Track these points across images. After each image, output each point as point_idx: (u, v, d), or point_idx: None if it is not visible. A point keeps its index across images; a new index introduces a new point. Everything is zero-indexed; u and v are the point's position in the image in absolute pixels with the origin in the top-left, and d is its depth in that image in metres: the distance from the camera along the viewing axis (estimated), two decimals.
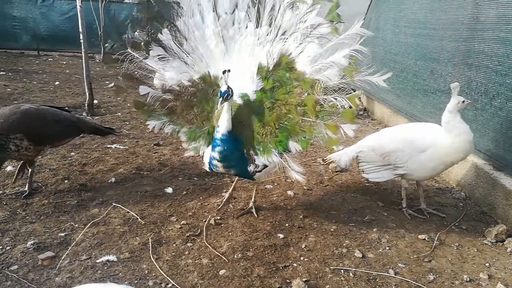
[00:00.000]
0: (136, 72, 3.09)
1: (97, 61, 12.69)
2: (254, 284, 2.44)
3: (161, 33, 3.05)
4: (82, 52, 6.06)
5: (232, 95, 2.73)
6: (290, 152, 2.82)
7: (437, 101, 4.45)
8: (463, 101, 3.06)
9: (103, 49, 12.84)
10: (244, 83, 2.95)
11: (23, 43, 13.04)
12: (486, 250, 2.93)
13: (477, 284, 2.53)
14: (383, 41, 6.41)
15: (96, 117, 6.06)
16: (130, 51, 3.04)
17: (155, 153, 4.67)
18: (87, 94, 6.13)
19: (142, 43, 3.07)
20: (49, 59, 12.10)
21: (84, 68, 6.09)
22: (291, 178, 2.85)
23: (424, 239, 3.03)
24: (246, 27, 3.01)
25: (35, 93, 7.37)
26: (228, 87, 2.68)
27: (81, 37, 5.98)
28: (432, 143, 3.11)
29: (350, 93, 2.65)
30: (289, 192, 3.74)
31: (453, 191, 3.89)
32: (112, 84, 8.87)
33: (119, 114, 6.39)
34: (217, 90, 2.94)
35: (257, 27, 3.00)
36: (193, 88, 3.13)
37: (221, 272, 2.55)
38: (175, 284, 2.41)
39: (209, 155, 2.89)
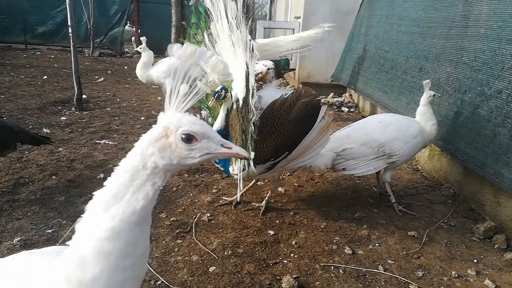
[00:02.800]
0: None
1: (86, 55, 12.55)
2: (244, 281, 2.44)
3: (204, 35, 3.36)
4: (71, 46, 5.96)
5: (224, 97, 2.89)
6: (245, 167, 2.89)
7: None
8: (434, 95, 3.50)
9: (92, 43, 12.71)
10: (240, 89, 2.99)
11: (11, 36, 12.79)
12: (474, 247, 2.96)
13: (465, 280, 2.56)
14: (375, 38, 6.42)
15: (85, 112, 5.98)
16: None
17: None
18: (76, 88, 6.04)
19: (197, 42, 3.45)
20: (37, 53, 11.91)
21: (72, 62, 5.99)
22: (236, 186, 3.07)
23: (414, 235, 3.05)
24: (240, 34, 3.02)
25: (23, 87, 7.25)
26: (222, 88, 2.85)
27: (70, 30, 5.88)
28: (420, 128, 3.43)
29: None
30: (279, 189, 3.74)
31: (442, 188, 3.92)
32: (102, 78, 8.78)
33: (109, 109, 6.32)
34: (231, 90, 3.09)
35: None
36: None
37: (211, 269, 2.54)
38: (165, 281, 2.39)
39: None
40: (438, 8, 4.46)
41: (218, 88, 2.88)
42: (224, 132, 3.01)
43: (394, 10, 5.81)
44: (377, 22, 6.43)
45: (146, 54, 5.74)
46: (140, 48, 5.74)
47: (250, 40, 2.78)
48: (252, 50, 2.76)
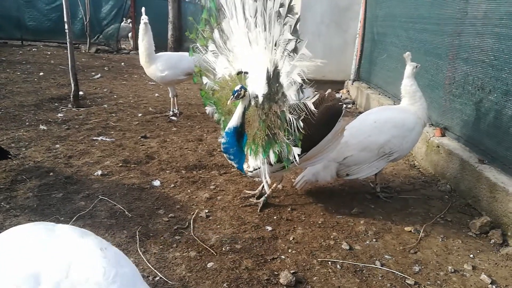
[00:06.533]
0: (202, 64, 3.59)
1: (83, 51, 12.49)
2: (242, 276, 2.45)
3: (214, 32, 3.35)
4: (67, 42, 5.93)
5: (244, 95, 2.90)
6: (269, 161, 2.90)
7: (438, 95, 4.46)
8: (416, 66, 3.50)
9: (88, 40, 12.65)
10: (259, 86, 3.01)
11: (7, 32, 12.69)
12: (471, 242, 2.98)
13: (461, 275, 2.58)
14: (396, 38, 6.23)
15: (82, 109, 5.96)
16: (198, 44, 3.48)
17: (142, 145, 4.63)
18: (72, 85, 6.02)
19: (204, 39, 3.45)
20: (33, 49, 11.84)
21: (69, 58, 5.97)
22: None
23: (410, 231, 3.07)
24: (263, 31, 3.00)
25: (19, 84, 7.22)
26: (241, 87, 2.87)
27: (66, 27, 5.85)
28: (416, 118, 3.42)
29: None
30: (278, 185, 3.74)
31: (438, 184, 3.94)
32: (99, 75, 8.75)
33: (105, 106, 6.31)
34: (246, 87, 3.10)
35: (264, 32, 3.00)
36: (231, 83, 3.29)
37: (209, 264, 2.55)
38: (163, 277, 2.40)
39: None
40: (445, 5, 4.43)
41: (238, 87, 2.87)
42: (240, 130, 3.02)
43: (406, 8, 5.72)
44: (393, 21, 6.29)
45: (148, 27, 5.41)
46: (144, 19, 5.38)
47: (290, 40, 2.69)
48: (295, 51, 2.67)
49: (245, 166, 3.06)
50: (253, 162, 3.00)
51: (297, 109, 2.71)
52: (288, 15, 2.72)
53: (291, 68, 2.70)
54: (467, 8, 3.93)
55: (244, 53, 3.17)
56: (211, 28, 3.37)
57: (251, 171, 3.03)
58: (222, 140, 3.05)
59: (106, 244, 1.20)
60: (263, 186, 3.49)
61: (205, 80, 3.56)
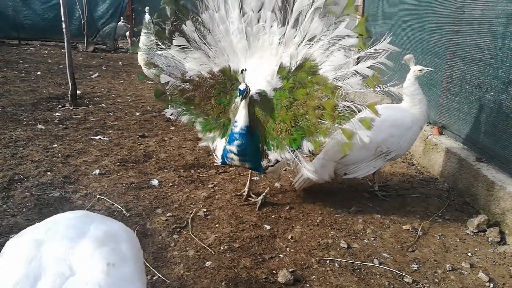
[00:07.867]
0: (159, 61, 3.18)
1: (80, 50, 12.46)
2: (241, 275, 2.45)
3: (185, 25, 3.10)
4: (65, 42, 5.92)
5: (249, 93, 2.80)
6: (302, 150, 2.86)
7: (435, 94, 4.47)
8: (420, 70, 3.49)
9: (86, 39, 12.61)
10: (263, 80, 2.98)
11: (3, 31, 12.64)
12: (468, 240, 2.99)
13: (459, 273, 2.58)
14: (394, 36, 6.20)
15: (80, 108, 5.95)
16: (154, 39, 3.14)
17: (140, 144, 4.62)
18: (70, 84, 6.01)
19: (167, 32, 3.13)
20: (30, 49, 11.80)
21: (66, 57, 5.95)
22: (304, 175, 3.03)
23: (408, 229, 3.08)
24: (271, 27, 2.98)
25: (16, 83, 7.20)
26: (246, 85, 2.75)
27: (63, 26, 5.83)
28: (413, 117, 3.42)
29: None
30: (276, 184, 3.75)
31: (436, 182, 3.95)
32: (96, 74, 8.73)
33: (103, 105, 6.29)
34: (236, 84, 3.02)
35: (282, 27, 2.98)
36: (212, 80, 3.19)
37: (208, 263, 2.55)
38: (161, 276, 2.40)
39: (222, 149, 2.98)
40: (442, 3, 4.41)
41: (243, 86, 2.72)
42: (250, 128, 2.86)
43: (403, 7, 5.70)
44: (391, 20, 6.27)
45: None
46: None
47: (348, 36, 2.72)
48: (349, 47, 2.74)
49: (264, 162, 2.95)
50: (276, 156, 2.91)
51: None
52: (347, 13, 2.72)
53: (339, 61, 2.74)
54: (464, 6, 3.93)
55: (237, 48, 3.11)
56: (180, 20, 3.07)
57: (272, 165, 2.96)
58: (236, 143, 2.82)
59: (120, 259, 1.16)
60: (248, 187, 3.49)
61: (165, 78, 3.17)
